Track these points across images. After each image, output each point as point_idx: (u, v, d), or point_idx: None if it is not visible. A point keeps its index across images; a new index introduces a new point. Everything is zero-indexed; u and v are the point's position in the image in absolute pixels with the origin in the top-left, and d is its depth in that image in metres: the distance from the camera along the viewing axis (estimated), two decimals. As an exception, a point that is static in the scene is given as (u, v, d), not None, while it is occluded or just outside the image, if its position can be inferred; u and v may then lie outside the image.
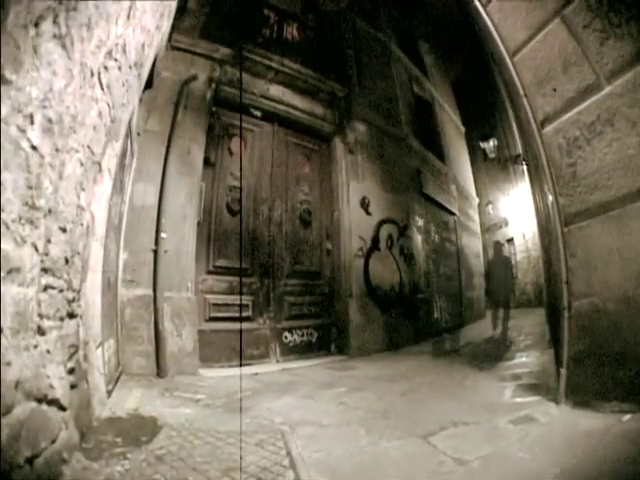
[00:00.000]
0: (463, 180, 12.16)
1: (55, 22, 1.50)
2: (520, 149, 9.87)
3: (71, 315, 2.06)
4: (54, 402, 1.72)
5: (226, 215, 5.49)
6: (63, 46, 1.59)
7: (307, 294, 6.24)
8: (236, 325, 5.24)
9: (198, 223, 5.00)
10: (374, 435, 2.58)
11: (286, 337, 5.75)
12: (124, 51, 2.46)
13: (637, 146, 2.46)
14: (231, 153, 5.73)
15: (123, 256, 4.15)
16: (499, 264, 7.80)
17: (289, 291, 5.98)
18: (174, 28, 4.77)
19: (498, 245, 8.48)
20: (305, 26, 7.18)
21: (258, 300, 5.60)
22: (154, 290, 4.35)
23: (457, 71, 14.43)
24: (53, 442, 1.68)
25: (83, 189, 2.10)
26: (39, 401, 1.58)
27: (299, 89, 6.58)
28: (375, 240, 7.03)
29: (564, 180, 2.86)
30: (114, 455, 2.07)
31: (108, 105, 2.33)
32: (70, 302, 2.04)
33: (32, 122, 1.43)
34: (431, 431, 2.60)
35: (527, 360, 4.96)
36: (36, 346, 1.58)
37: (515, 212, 13.71)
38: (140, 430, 2.50)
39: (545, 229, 4.82)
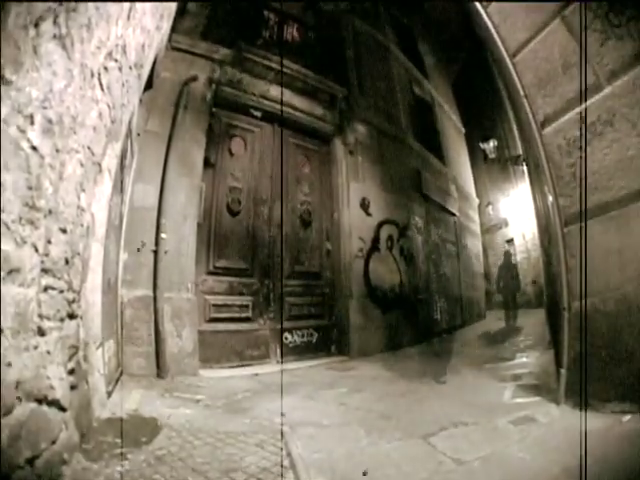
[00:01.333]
0: (463, 181, 12.16)
1: (55, 23, 1.50)
2: (520, 150, 9.87)
3: (71, 316, 2.05)
4: (54, 403, 1.72)
5: (226, 216, 5.49)
6: (63, 47, 1.59)
7: (307, 295, 6.22)
8: (236, 326, 5.24)
9: (198, 224, 5.00)
10: (374, 436, 2.59)
11: (286, 338, 5.74)
12: (124, 52, 2.47)
13: (637, 147, 2.46)
14: (231, 154, 5.73)
15: (123, 257, 4.14)
16: (506, 268, 9.56)
17: (289, 292, 5.97)
18: (174, 29, 4.77)
19: (508, 254, 10.43)
20: (305, 27, 7.19)
21: (258, 301, 5.59)
22: (154, 291, 4.34)
23: (457, 72, 14.44)
24: (53, 443, 1.68)
25: (83, 190, 2.11)
26: (39, 402, 1.58)
27: (299, 90, 6.57)
28: (375, 241, 7.03)
29: (564, 181, 2.86)
30: (114, 456, 2.07)
31: (108, 106, 2.33)
32: (70, 303, 2.04)
33: (32, 122, 1.43)
34: (431, 432, 2.60)
35: (527, 360, 4.96)
36: (36, 347, 1.58)
37: (515, 213, 13.69)
38: (140, 431, 2.50)
39: (545, 230, 4.82)
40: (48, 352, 1.71)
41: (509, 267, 9.74)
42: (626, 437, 2.13)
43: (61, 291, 1.89)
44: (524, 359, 5.09)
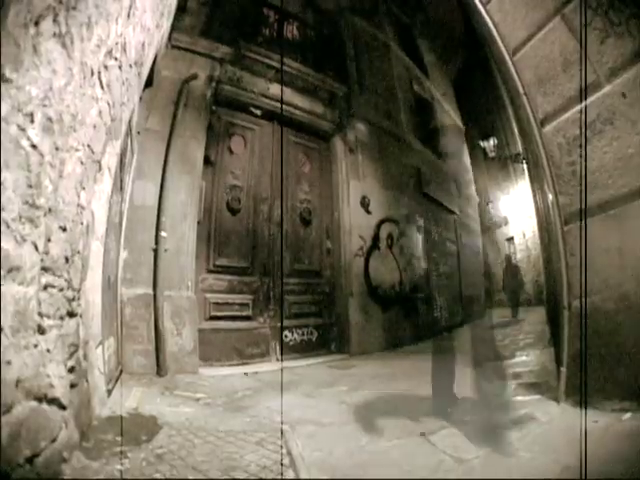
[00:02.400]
0: (463, 179, 12.13)
1: (55, 21, 1.50)
2: (520, 148, 9.86)
3: (71, 314, 2.05)
4: (54, 401, 1.72)
5: (226, 214, 5.49)
6: (63, 45, 1.59)
7: (307, 293, 6.23)
8: (236, 324, 5.25)
9: (198, 222, 5.00)
10: (374, 434, 2.59)
11: (286, 336, 5.75)
12: (124, 50, 2.46)
13: (637, 145, 2.46)
14: (231, 152, 5.72)
15: (123, 255, 4.14)
16: (509, 269, 10.65)
17: (289, 290, 5.97)
18: (174, 27, 4.77)
19: (508, 257, 11.91)
20: (305, 25, 7.18)
21: (258, 299, 5.59)
22: (154, 289, 4.35)
23: (457, 70, 14.41)
24: (53, 441, 1.68)
25: (83, 188, 2.10)
26: (39, 400, 1.58)
27: (299, 88, 6.57)
28: (375, 239, 7.03)
29: (564, 179, 2.85)
30: (114, 454, 2.07)
31: (108, 104, 2.33)
32: (70, 301, 2.04)
33: (32, 121, 1.43)
34: (431, 430, 2.60)
35: (527, 359, 4.96)
36: (36, 345, 1.58)
37: (515, 211, 13.66)
38: (140, 429, 2.50)
39: (545, 228, 4.82)
40: (48, 350, 1.71)
41: (511, 268, 10.72)
42: (626, 435, 2.13)
43: (61, 289, 1.89)
44: (524, 357, 5.08)
